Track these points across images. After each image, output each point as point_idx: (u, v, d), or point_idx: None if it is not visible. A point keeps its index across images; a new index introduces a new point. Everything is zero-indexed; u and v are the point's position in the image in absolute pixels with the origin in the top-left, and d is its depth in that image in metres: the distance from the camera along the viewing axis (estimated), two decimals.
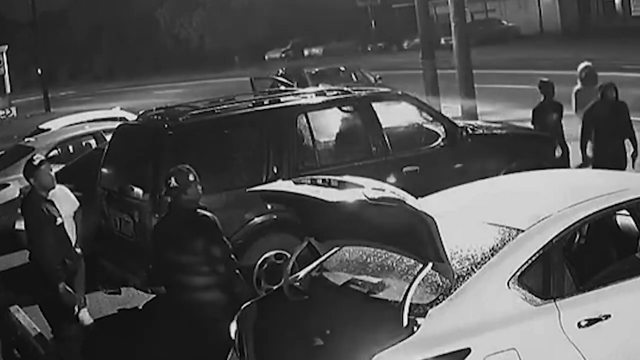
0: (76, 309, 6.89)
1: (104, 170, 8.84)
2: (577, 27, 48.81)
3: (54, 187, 7.03)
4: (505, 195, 5.67)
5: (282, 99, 8.75)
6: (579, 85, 10.75)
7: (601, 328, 4.56)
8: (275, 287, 5.76)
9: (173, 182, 5.93)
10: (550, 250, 4.65)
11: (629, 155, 9.64)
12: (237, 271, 6.01)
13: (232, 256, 5.95)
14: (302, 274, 5.34)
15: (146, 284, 7.81)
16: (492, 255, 4.60)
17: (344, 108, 8.82)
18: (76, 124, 14.59)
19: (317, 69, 25.58)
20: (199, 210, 5.90)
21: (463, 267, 4.56)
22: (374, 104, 8.86)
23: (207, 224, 5.84)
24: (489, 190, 5.94)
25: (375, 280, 4.82)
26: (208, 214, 5.89)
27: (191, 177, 5.95)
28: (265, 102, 8.63)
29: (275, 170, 7.97)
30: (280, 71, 27.63)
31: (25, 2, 34.13)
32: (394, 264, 4.91)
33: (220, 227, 5.89)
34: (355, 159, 8.42)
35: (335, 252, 5.31)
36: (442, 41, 37.28)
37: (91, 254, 8.50)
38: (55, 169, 11.01)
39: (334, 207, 4.56)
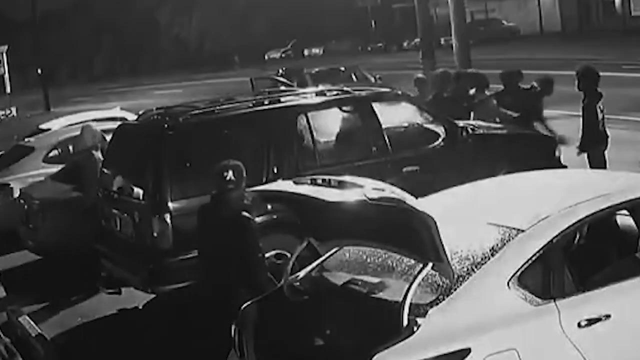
0: None
1: (104, 170, 8.84)
2: (577, 27, 48.82)
3: None
4: (505, 195, 5.67)
5: (282, 99, 8.74)
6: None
7: (601, 328, 4.56)
8: (275, 287, 5.76)
9: (231, 175, 5.84)
10: (550, 250, 4.64)
11: None
12: (270, 276, 6.01)
13: (265, 263, 5.93)
14: (302, 274, 5.34)
15: (146, 284, 7.81)
16: (492, 255, 4.59)
17: (344, 108, 8.81)
18: (76, 123, 14.58)
19: (317, 69, 25.63)
20: (243, 213, 5.79)
21: (463, 267, 4.56)
22: (374, 104, 8.86)
23: (247, 228, 5.77)
24: (489, 190, 5.93)
25: (375, 280, 4.82)
26: (250, 216, 5.81)
27: (245, 174, 5.88)
28: (265, 102, 8.62)
29: (275, 170, 7.96)
30: (280, 71, 27.67)
31: (25, 2, 34.16)
32: (394, 264, 4.91)
33: (256, 232, 5.87)
34: (355, 159, 8.41)
35: (335, 252, 5.31)
36: (442, 41, 37.29)
37: (91, 254, 8.52)
38: (55, 169, 11.14)
39: (334, 207, 4.56)
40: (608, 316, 4.59)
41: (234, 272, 5.78)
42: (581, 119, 9.94)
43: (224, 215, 5.85)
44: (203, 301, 6.05)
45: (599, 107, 9.70)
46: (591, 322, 4.54)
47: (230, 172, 5.85)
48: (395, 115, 9.29)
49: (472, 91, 11.38)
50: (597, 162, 9.82)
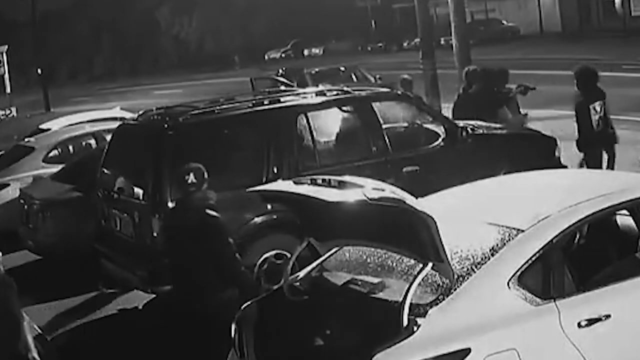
0: None
1: (104, 170, 8.83)
2: (577, 28, 48.81)
3: None
4: (505, 195, 5.67)
5: (282, 99, 8.74)
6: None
7: (601, 328, 4.56)
8: (275, 287, 5.76)
9: (192, 178, 5.98)
10: (550, 251, 4.64)
11: None
12: (244, 269, 6.08)
13: (237, 255, 6.00)
14: (302, 274, 5.34)
15: (146, 284, 7.81)
16: (492, 255, 4.59)
17: (344, 108, 8.82)
18: (76, 124, 14.60)
19: (317, 69, 25.62)
20: (207, 211, 5.92)
21: (463, 267, 4.56)
22: (374, 104, 8.86)
23: (215, 225, 5.87)
24: (489, 190, 5.93)
25: (375, 280, 4.82)
26: (216, 214, 5.91)
27: (206, 176, 6.02)
28: (265, 102, 8.62)
29: (275, 170, 7.96)
30: (280, 71, 27.67)
31: (25, 2, 34.14)
32: (394, 264, 4.91)
33: (225, 227, 5.98)
34: (355, 159, 8.41)
35: (335, 252, 5.31)
36: (442, 41, 37.29)
37: (91, 254, 8.52)
38: (55, 169, 11.14)
39: (334, 207, 4.56)
40: (608, 316, 4.59)
41: (209, 271, 5.84)
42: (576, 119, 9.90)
43: (190, 216, 5.95)
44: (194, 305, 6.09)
45: (595, 108, 9.66)
46: (591, 322, 4.53)
47: (192, 175, 5.98)
48: (395, 115, 9.29)
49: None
50: (593, 162, 9.78)
